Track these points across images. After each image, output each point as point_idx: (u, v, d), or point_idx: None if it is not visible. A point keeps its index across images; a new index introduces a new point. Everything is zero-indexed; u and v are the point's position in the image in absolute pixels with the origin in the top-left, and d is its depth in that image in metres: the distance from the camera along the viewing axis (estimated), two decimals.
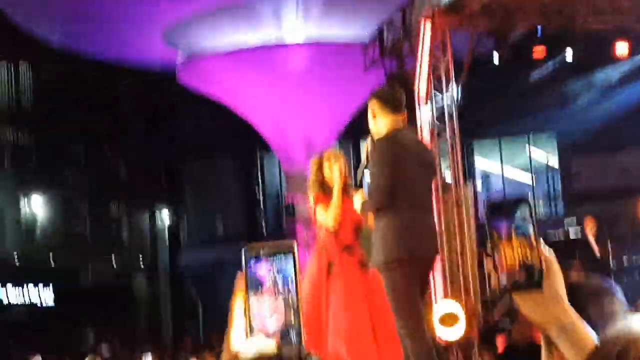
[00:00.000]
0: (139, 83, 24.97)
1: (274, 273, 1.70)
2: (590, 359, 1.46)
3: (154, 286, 27.46)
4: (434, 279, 10.38)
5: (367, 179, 5.40)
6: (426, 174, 5.32)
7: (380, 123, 5.23)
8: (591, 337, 1.66)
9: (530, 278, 1.70)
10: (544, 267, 1.70)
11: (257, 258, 1.71)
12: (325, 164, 6.24)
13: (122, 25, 18.67)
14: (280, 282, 1.70)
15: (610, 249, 13.50)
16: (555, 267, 1.74)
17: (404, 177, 5.05)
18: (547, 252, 1.74)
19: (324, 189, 6.21)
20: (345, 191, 6.02)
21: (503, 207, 1.77)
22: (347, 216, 6.03)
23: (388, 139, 5.14)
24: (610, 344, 1.42)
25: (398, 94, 5.37)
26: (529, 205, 1.74)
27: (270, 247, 1.76)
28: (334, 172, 6.12)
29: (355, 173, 5.74)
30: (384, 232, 5.06)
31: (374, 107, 5.27)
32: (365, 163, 5.41)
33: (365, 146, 5.48)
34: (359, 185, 5.70)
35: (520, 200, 1.75)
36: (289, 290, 1.69)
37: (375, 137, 5.24)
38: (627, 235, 15.99)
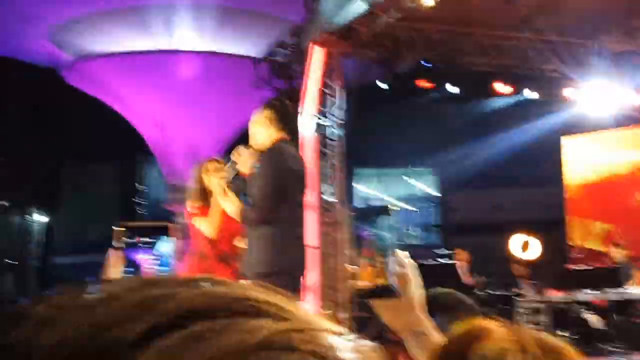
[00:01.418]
0: (22, 79, 24.35)
1: (152, 259, 1.72)
2: (437, 356, 1.55)
3: (21, 286, 26.72)
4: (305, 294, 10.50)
5: (235, 183, 5.43)
6: (301, 188, 5.42)
7: (266, 134, 5.30)
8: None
9: (389, 286, 1.76)
10: (401, 274, 1.77)
11: (134, 244, 1.72)
12: (204, 175, 6.27)
13: (8, 19, 18.19)
14: (157, 268, 1.71)
15: (480, 280, 13.95)
16: (413, 275, 1.81)
17: (285, 190, 5.13)
18: (406, 260, 1.81)
19: (205, 198, 6.24)
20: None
21: (367, 215, 1.83)
22: (226, 226, 6.07)
23: (274, 151, 5.21)
24: (455, 340, 1.52)
25: (291, 112, 5.48)
26: (390, 215, 1.80)
27: (146, 227, 1.76)
28: (213, 182, 6.15)
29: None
30: (259, 243, 5.11)
31: (267, 117, 5.33)
32: (235, 167, 5.45)
33: (236, 150, 5.51)
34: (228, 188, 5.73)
35: (383, 208, 1.82)
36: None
37: (257, 147, 5.30)
38: (495, 269, 16.54)
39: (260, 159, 5.25)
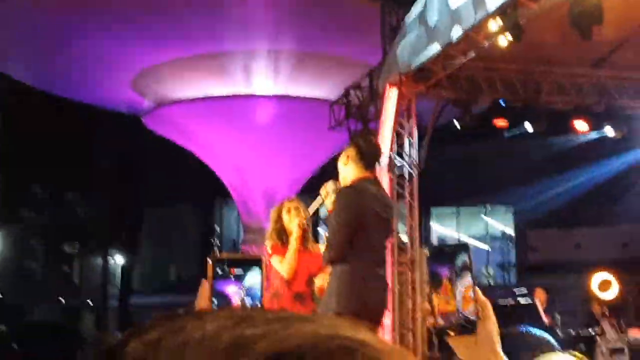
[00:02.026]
0: (104, 125, 24.98)
1: (242, 293, 1.74)
2: None
3: (102, 327, 27.14)
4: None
5: (321, 218, 5.46)
6: (384, 228, 5.34)
7: (349, 171, 5.27)
8: None
9: (466, 322, 1.78)
10: (479, 312, 1.79)
11: (225, 275, 1.75)
12: (285, 214, 6.32)
13: (91, 68, 18.71)
14: (248, 301, 1.74)
15: (558, 320, 13.69)
16: (490, 312, 1.83)
17: (363, 229, 5.07)
18: (483, 297, 1.83)
19: (282, 239, 6.28)
20: (303, 242, 6.13)
21: (445, 252, 1.85)
22: (303, 266, 6.10)
23: (352, 188, 5.16)
24: None
25: (377, 151, 5.40)
26: (469, 252, 1.82)
27: (238, 259, 1.79)
28: (293, 222, 6.20)
29: (314, 224, 5.83)
30: (338, 282, 5.08)
31: (350, 153, 5.29)
32: (321, 201, 5.48)
33: (325, 185, 5.55)
34: (310, 216, 5.82)
35: (461, 246, 1.84)
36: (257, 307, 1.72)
37: (341, 184, 5.29)
38: (575, 308, 16.21)
39: (337, 197, 5.24)
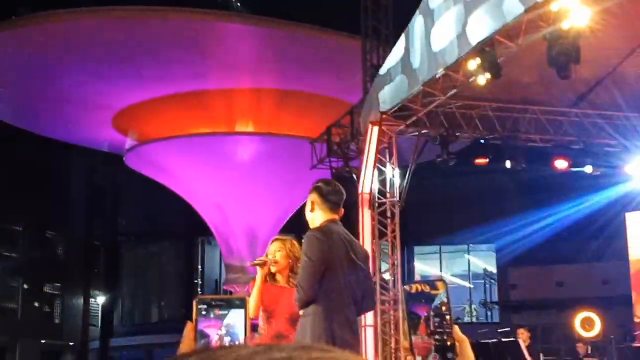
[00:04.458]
0: (83, 165, 24.94)
1: (222, 331, 1.74)
2: None
3: None
4: None
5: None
6: (352, 268, 5.34)
7: (316, 216, 5.34)
8: None
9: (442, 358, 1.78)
10: (457, 349, 1.79)
11: (207, 314, 1.75)
12: (271, 250, 6.29)
13: (72, 107, 18.68)
14: (227, 340, 1.73)
15: (541, 358, 13.67)
16: (468, 349, 1.83)
17: (331, 270, 5.11)
18: (461, 335, 1.83)
19: (266, 277, 6.23)
20: (288, 279, 6.07)
21: (423, 291, 1.85)
22: (284, 304, 6.02)
23: (319, 230, 5.23)
24: None
25: (339, 192, 5.45)
26: (446, 289, 1.83)
27: (222, 300, 1.80)
28: (277, 258, 6.15)
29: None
30: (307, 325, 5.10)
31: (314, 199, 5.37)
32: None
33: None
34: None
35: (439, 282, 1.84)
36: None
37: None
38: (558, 347, 16.20)
39: (305, 240, 5.29)
